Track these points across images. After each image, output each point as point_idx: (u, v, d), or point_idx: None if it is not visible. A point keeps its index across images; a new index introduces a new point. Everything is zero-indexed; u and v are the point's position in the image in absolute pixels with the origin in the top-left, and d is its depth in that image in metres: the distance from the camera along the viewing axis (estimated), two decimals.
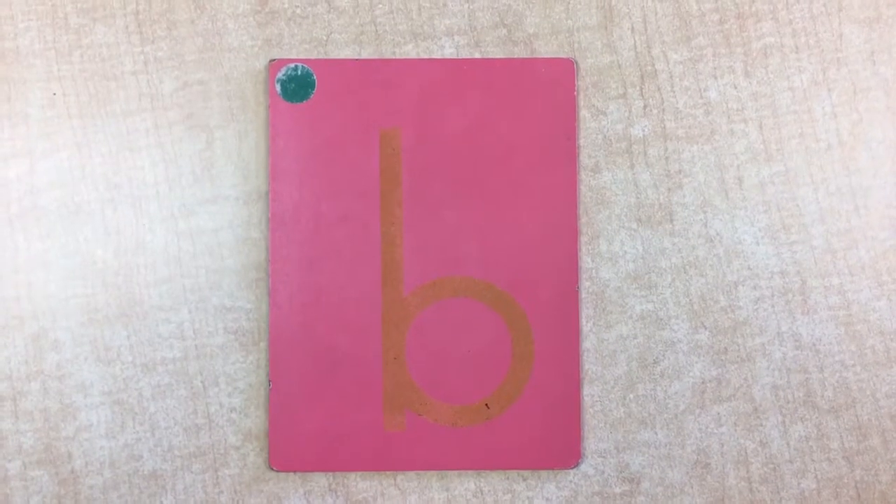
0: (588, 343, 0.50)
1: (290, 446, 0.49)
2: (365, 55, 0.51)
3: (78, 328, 0.50)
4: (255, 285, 0.50)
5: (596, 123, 0.51)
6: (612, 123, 0.51)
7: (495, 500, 0.50)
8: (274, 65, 0.50)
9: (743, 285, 0.50)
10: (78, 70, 0.51)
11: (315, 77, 0.50)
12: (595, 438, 0.50)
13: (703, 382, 0.50)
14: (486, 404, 0.50)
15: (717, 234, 0.51)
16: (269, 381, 0.50)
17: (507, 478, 0.50)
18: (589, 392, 0.50)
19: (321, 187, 0.50)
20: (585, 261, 0.50)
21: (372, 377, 0.50)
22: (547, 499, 0.50)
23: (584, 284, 0.50)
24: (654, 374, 0.50)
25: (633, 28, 0.51)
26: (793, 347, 0.50)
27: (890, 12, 0.51)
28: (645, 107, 0.51)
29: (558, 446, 0.50)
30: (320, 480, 0.50)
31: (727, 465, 0.50)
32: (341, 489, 0.50)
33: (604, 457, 0.50)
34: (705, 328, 0.50)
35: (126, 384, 0.50)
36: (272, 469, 0.49)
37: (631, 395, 0.50)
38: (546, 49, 0.51)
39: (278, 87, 0.50)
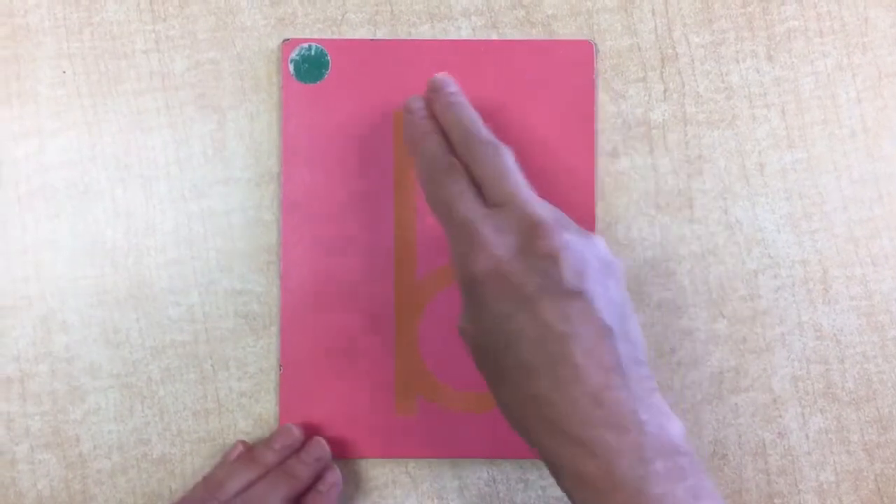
0: None
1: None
2: (380, 35, 0.50)
3: (87, 310, 0.49)
4: (267, 268, 0.49)
5: (615, 107, 0.50)
6: (632, 107, 0.50)
7: (508, 488, 0.49)
8: (287, 44, 0.49)
9: (763, 274, 0.50)
10: (88, 48, 0.50)
11: (329, 57, 0.49)
12: None
13: (721, 372, 0.49)
14: None
15: (738, 222, 0.50)
16: (280, 365, 0.49)
17: (521, 466, 0.49)
18: None
19: (334, 170, 0.49)
20: None
21: (384, 362, 0.49)
22: None
23: None
24: (671, 364, 0.49)
25: (653, 10, 0.50)
26: (813, 338, 0.49)
27: None
28: (665, 91, 0.50)
29: None
30: None
31: (745, 456, 0.49)
32: (352, 476, 0.49)
33: None
34: (724, 317, 0.49)
35: (135, 367, 0.49)
36: None
37: None
38: (565, 31, 0.50)
39: (291, 68, 0.49)
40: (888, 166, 0.50)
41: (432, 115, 0.44)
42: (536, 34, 0.50)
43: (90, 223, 0.49)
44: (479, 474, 0.49)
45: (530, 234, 0.39)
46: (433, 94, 0.45)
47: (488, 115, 0.49)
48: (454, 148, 0.43)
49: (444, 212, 0.41)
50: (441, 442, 0.49)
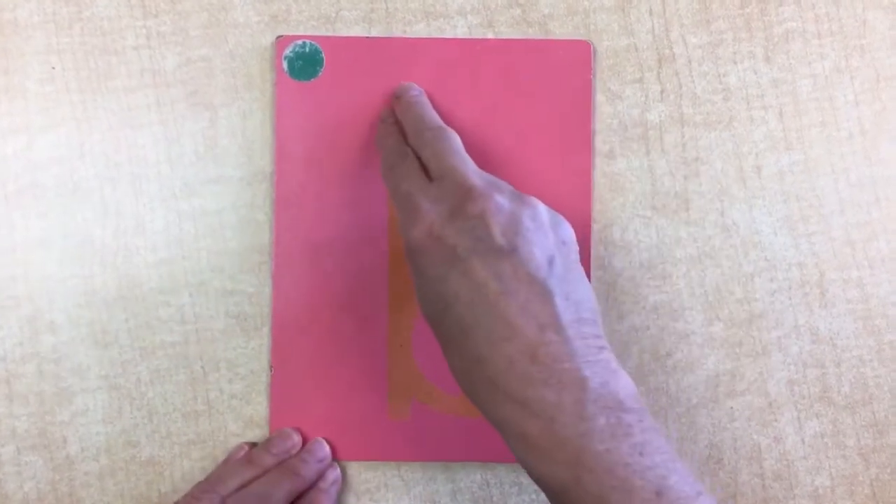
0: None
1: None
2: (375, 33, 0.49)
3: (75, 310, 0.48)
4: (259, 269, 0.49)
5: (611, 108, 0.49)
6: (629, 108, 0.49)
7: (502, 492, 0.49)
8: (281, 41, 0.49)
9: (759, 277, 0.49)
10: (78, 43, 0.49)
11: (323, 55, 0.49)
12: None
13: (716, 376, 0.49)
14: None
15: (734, 224, 0.49)
16: (271, 367, 0.48)
17: (515, 470, 0.49)
18: None
19: (328, 169, 0.49)
20: (598, 249, 0.49)
21: (377, 365, 0.48)
22: None
23: (597, 273, 0.49)
24: (666, 367, 0.49)
25: (651, 10, 0.50)
26: (809, 341, 0.49)
27: None
28: (662, 92, 0.49)
29: None
30: None
31: (740, 460, 0.49)
32: (344, 480, 0.49)
33: None
34: (720, 320, 0.49)
35: (124, 368, 0.49)
36: None
37: (643, 388, 0.49)
38: (561, 30, 0.50)
39: (285, 65, 0.49)
40: (886, 169, 0.49)
41: (398, 120, 0.47)
42: (533, 33, 0.49)
43: (79, 222, 0.49)
44: (472, 478, 0.49)
45: (462, 198, 0.40)
46: (396, 100, 0.47)
47: (483, 115, 0.49)
48: (409, 140, 0.45)
49: (393, 193, 0.43)
50: (434, 445, 0.48)
